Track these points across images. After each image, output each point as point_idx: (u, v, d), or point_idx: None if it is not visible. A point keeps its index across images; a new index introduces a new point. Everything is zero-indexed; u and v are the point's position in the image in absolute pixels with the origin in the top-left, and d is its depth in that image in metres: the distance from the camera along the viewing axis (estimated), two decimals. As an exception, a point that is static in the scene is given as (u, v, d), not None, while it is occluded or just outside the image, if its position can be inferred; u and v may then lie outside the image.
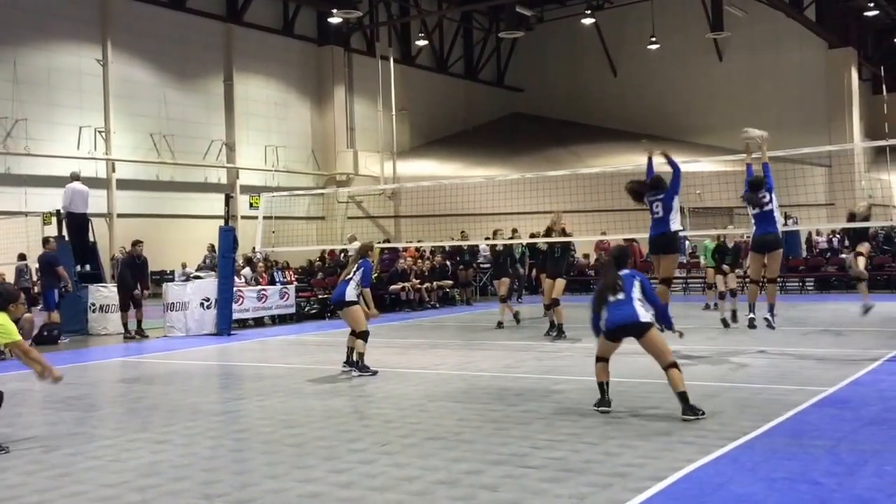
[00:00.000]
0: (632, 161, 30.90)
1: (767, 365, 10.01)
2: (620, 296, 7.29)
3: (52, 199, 20.45)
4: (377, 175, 34.70)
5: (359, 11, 31.48)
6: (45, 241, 16.25)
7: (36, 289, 17.22)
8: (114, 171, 27.87)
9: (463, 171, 33.21)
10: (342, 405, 8.39)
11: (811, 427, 6.67)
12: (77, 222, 17.86)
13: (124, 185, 28.09)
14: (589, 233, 24.08)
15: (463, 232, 25.67)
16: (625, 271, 7.51)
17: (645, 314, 7.24)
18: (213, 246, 20.01)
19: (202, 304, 16.50)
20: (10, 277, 17.67)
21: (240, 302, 17.27)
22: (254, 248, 19.39)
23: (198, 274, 18.28)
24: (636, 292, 7.31)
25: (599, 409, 7.42)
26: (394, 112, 35.22)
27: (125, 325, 16.45)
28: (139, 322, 16.44)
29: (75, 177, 18.25)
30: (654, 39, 36.54)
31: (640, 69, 40.37)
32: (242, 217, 27.22)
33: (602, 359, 7.53)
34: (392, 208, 33.95)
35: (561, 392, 8.65)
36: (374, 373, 10.16)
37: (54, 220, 17.62)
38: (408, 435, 6.87)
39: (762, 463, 5.66)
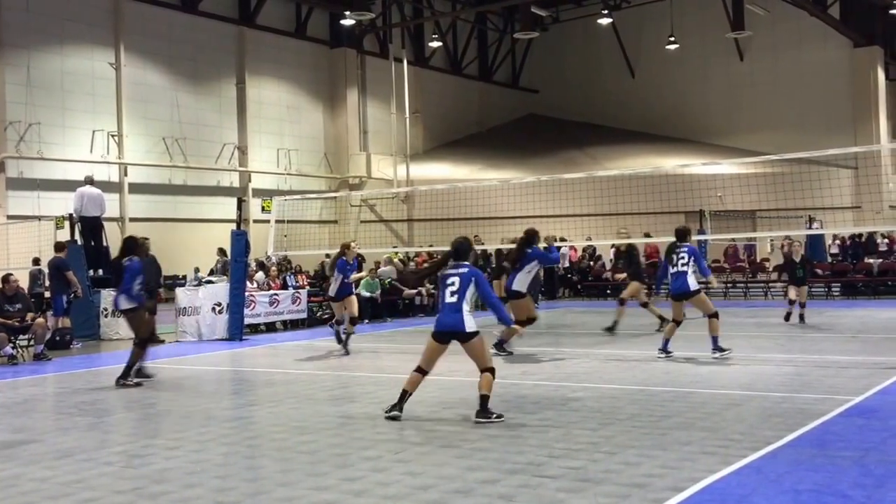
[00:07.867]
0: (650, 163, 30.83)
1: (792, 373, 9.84)
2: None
3: (66, 203, 20.44)
4: (390, 178, 34.60)
5: (372, 13, 31.43)
6: (58, 246, 16.19)
7: (47, 294, 17.19)
8: (126, 174, 27.89)
9: (477, 174, 33.09)
10: (355, 412, 8.30)
11: (837, 437, 6.52)
12: (90, 226, 17.83)
13: (137, 188, 28.12)
14: (608, 237, 23.83)
15: (476, 236, 25.48)
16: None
17: None
18: (222, 250, 19.84)
19: (214, 309, 16.42)
20: (25, 282, 17.65)
21: (251, 307, 17.20)
22: (266, 253, 19.32)
23: (210, 278, 18.21)
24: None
25: None
26: (407, 114, 35.15)
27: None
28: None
29: (88, 181, 18.24)
30: (672, 39, 36.15)
31: (659, 70, 39.91)
32: (254, 221, 27.17)
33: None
34: (405, 212, 33.83)
35: (579, 400, 8.52)
36: None
37: (67, 224, 17.59)
38: (422, 443, 6.79)
39: (787, 474, 5.52)
